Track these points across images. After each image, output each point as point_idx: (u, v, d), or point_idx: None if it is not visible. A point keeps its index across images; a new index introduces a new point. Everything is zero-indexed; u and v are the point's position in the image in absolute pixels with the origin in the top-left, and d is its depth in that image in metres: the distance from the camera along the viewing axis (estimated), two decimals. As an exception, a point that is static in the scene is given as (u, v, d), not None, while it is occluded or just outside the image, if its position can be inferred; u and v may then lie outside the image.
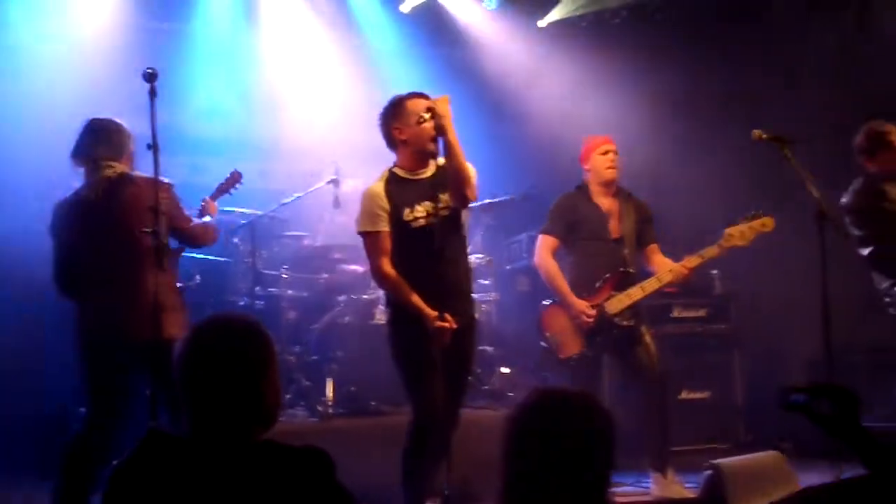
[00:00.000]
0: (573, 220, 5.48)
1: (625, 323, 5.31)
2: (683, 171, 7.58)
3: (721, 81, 7.79)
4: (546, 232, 5.53)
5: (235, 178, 5.34)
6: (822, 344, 4.55)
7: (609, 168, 5.48)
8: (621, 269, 5.35)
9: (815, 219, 4.62)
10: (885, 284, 5.31)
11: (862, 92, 7.21)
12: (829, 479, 4.33)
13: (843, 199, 5.34)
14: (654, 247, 5.49)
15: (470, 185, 4.30)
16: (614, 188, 5.54)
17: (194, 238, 4.72)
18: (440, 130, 4.23)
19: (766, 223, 5.16)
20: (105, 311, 4.46)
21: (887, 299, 5.33)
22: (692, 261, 5.21)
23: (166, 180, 4.38)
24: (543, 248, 5.49)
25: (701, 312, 6.97)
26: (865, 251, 5.27)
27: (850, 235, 5.23)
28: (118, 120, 4.64)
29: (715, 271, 7.11)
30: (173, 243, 4.61)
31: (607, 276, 5.34)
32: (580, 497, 2.04)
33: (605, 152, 5.49)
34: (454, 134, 4.23)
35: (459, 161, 4.25)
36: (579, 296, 5.35)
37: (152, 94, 4.18)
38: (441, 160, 4.34)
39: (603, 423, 2.11)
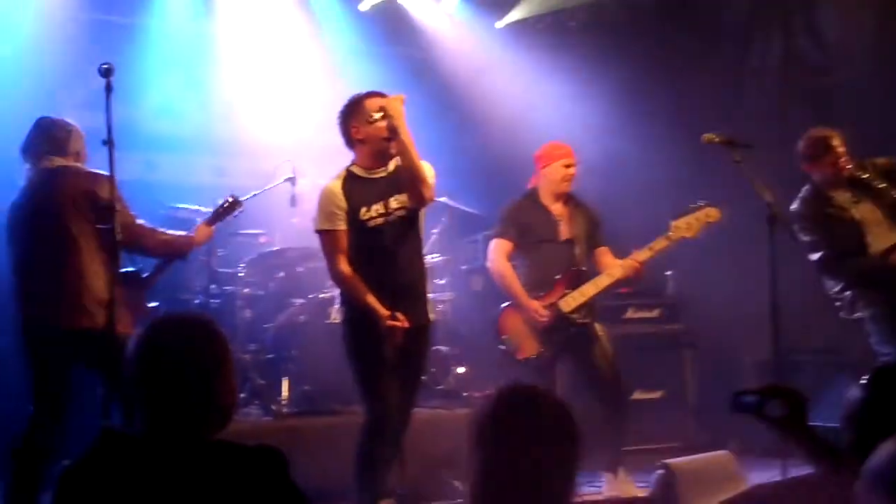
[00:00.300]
0: (525, 225, 5.50)
1: (580, 320, 5.36)
2: (639, 171, 7.67)
3: (674, 84, 7.89)
4: (499, 236, 5.54)
5: (234, 205, 5.14)
6: (773, 345, 4.63)
7: (567, 182, 5.51)
8: (574, 268, 5.40)
9: (767, 222, 4.69)
10: (835, 289, 5.40)
11: (809, 96, 7.35)
12: (776, 478, 4.42)
13: (792, 207, 5.42)
14: (603, 249, 5.53)
15: (426, 185, 4.32)
16: (565, 196, 5.59)
17: (135, 237, 4.56)
18: (392, 130, 4.24)
19: (712, 214, 5.20)
20: (38, 299, 4.45)
21: (837, 303, 5.42)
22: (642, 254, 5.26)
23: (104, 173, 4.30)
24: (497, 252, 5.50)
25: (654, 313, 7.04)
26: (815, 256, 5.35)
27: (799, 241, 5.30)
28: (68, 120, 4.64)
29: (668, 272, 7.19)
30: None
31: (560, 275, 5.38)
32: (548, 496, 2.05)
33: (568, 165, 5.50)
34: (407, 133, 4.24)
35: (413, 160, 4.26)
36: (534, 297, 5.38)
37: (108, 89, 4.15)
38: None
39: (570, 421, 2.12)
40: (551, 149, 5.59)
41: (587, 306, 5.37)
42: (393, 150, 4.33)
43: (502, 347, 5.46)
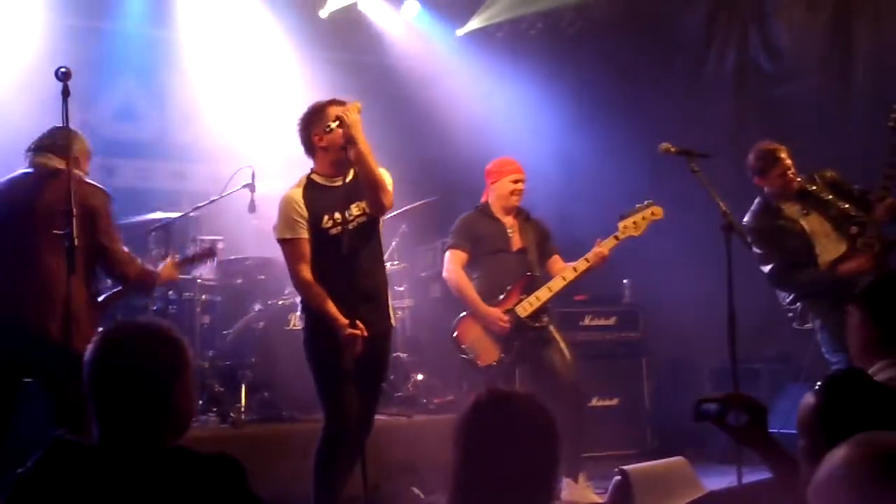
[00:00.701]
0: (478, 236, 5.60)
1: (537, 324, 5.42)
2: (596, 178, 7.75)
3: (632, 93, 7.97)
4: (454, 247, 5.61)
5: (208, 253, 4.99)
6: (728, 353, 4.68)
7: (515, 196, 5.65)
8: (528, 274, 5.48)
9: (722, 231, 4.74)
10: (787, 300, 5.49)
11: (763, 107, 7.46)
12: (731, 484, 4.48)
13: (744, 220, 5.50)
14: (555, 258, 5.65)
15: (385, 192, 4.32)
16: (515, 210, 5.70)
17: (116, 263, 4.41)
18: (349, 139, 4.25)
19: (656, 212, 5.35)
20: (6, 297, 4.30)
21: (790, 314, 5.50)
22: (599, 252, 5.34)
23: (102, 188, 4.27)
24: (453, 262, 5.57)
25: (611, 321, 7.11)
26: (766, 268, 5.43)
27: (753, 252, 5.38)
28: (76, 129, 4.45)
29: (625, 280, 7.26)
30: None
31: (513, 283, 5.46)
32: (531, 497, 2.06)
33: (517, 181, 5.65)
34: (364, 141, 4.25)
35: (370, 168, 4.26)
36: (490, 305, 5.43)
37: (65, 93, 4.08)
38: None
39: (551, 424, 2.13)
40: (500, 164, 5.71)
41: (543, 311, 5.45)
42: (351, 159, 4.33)
43: (464, 357, 5.49)
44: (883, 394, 2.31)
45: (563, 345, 5.48)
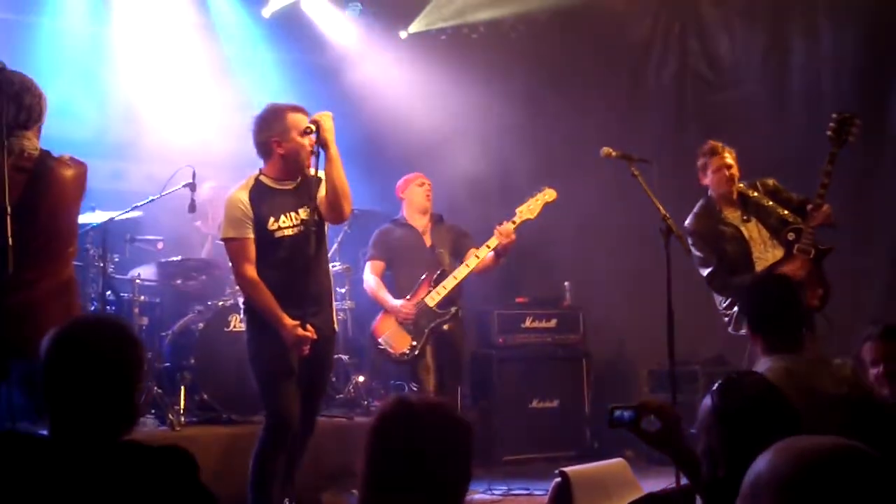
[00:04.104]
0: (392, 241, 6.11)
1: (444, 311, 5.82)
2: (536, 183, 7.78)
3: (574, 98, 8.03)
4: (372, 258, 6.13)
5: None
6: (667, 355, 4.73)
7: (425, 196, 6.13)
8: (437, 270, 5.89)
9: (661, 234, 4.79)
10: (724, 304, 5.56)
11: (701, 111, 7.58)
12: (669, 486, 4.53)
13: (686, 222, 5.55)
14: (473, 250, 5.92)
15: (349, 202, 4.36)
16: (428, 214, 6.15)
17: None
18: (323, 144, 4.25)
19: (549, 194, 5.78)
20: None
21: (726, 319, 5.57)
22: (503, 231, 5.68)
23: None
24: (370, 272, 6.10)
25: (551, 323, 7.17)
26: (704, 272, 5.50)
27: (692, 255, 5.43)
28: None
29: (566, 283, 7.31)
30: None
31: (424, 276, 5.88)
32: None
33: (422, 184, 6.16)
34: (336, 148, 4.27)
35: (341, 176, 4.31)
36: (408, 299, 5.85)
37: (-1, 88, 4.00)
38: (321, 173, 4.36)
39: (463, 432, 2.12)
40: (406, 178, 6.26)
41: (452, 300, 5.85)
42: (309, 165, 4.34)
43: (380, 347, 5.88)
44: (776, 396, 2.36)
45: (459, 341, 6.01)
